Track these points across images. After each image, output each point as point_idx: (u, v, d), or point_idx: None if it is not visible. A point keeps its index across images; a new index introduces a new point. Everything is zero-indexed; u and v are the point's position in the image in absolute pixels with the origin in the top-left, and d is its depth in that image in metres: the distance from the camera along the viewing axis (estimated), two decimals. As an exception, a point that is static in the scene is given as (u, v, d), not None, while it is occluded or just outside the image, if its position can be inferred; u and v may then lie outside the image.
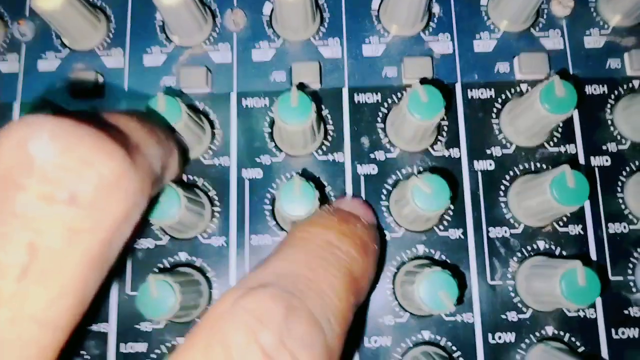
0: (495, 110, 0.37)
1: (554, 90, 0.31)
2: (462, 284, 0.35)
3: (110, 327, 0.35)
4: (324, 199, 0.34)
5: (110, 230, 0.21)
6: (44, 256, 0.19)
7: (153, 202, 0.30)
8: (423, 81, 0.32)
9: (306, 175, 0.36)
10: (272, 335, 0.20)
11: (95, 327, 0.35)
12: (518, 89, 0.37)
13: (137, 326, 0.35)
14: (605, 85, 0.37)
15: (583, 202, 0.31)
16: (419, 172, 0.35)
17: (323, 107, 0.37)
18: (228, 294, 0.22)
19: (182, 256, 0.36)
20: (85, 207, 0.20)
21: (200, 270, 0.35)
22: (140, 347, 0.34)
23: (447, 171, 0.36)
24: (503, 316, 0.34)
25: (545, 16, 0.38)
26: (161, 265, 0.35)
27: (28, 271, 0.19)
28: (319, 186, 0.35)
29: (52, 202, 0.19)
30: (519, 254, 0.35)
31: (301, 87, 0.36)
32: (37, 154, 0.19)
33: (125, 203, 0.21)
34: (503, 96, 0.37)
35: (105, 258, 0.21)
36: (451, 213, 0.35)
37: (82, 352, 0.35)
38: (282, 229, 0.36)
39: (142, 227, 0.35)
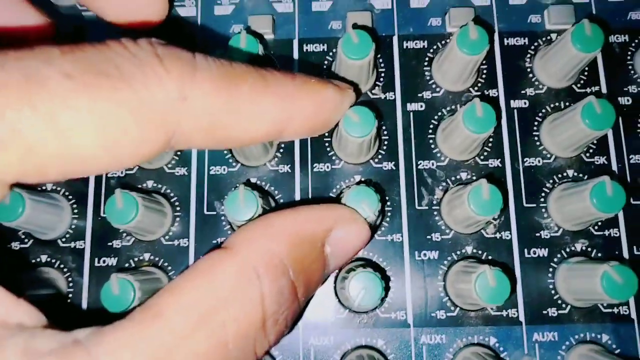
0: (427, 59, 0.42)
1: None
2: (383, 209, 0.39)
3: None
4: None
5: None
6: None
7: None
8: (355, 26, 0.37)
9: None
10: None
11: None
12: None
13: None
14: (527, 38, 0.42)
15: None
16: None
17: (274, 54, 0.42)
18: None
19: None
20: None
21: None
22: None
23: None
24: (428, 237, 0.39)
25: (475, -24, 0.43)
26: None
27: None
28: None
29: None
30: (443, 184, 0.40)
31: (258, 35, 0.41)
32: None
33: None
34: (434, 47, 0.42)
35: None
36: (385, 147, 0.40)
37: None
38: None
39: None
